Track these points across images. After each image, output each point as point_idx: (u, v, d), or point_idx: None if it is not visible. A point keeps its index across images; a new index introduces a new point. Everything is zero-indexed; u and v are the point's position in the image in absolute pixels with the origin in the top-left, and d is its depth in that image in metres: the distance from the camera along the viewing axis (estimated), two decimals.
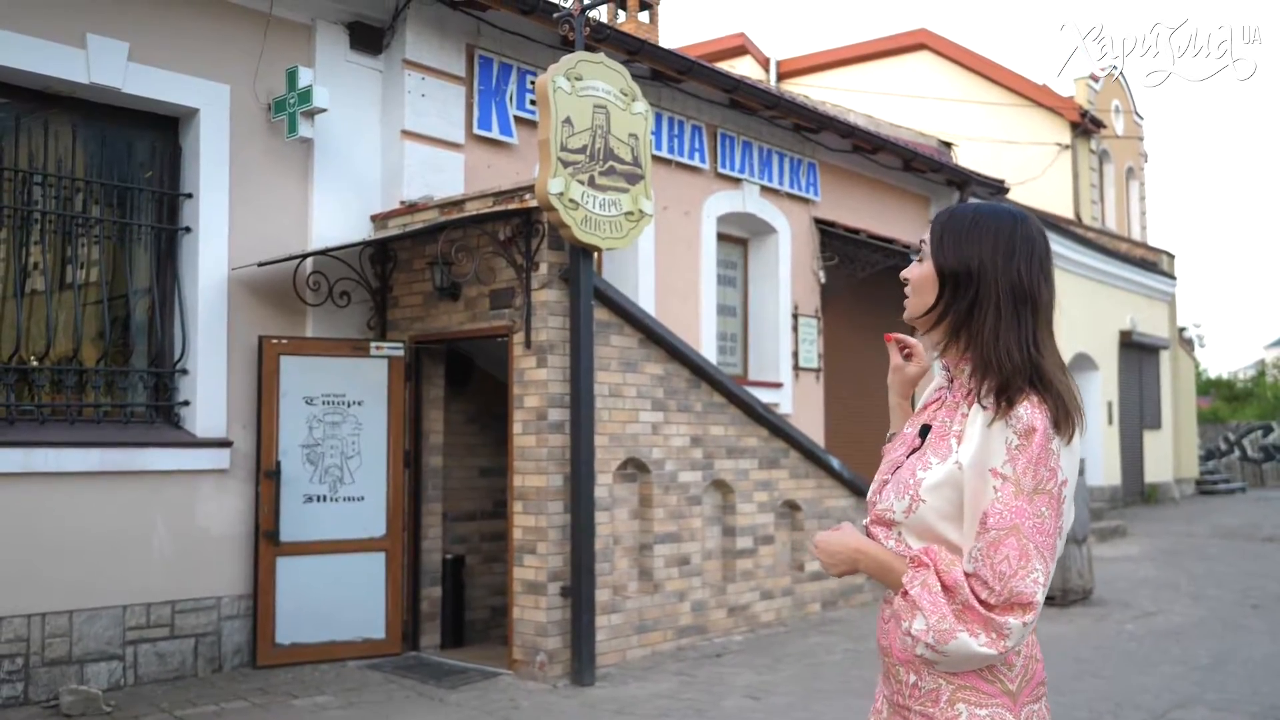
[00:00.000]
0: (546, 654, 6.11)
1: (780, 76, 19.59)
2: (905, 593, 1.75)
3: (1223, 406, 33.03)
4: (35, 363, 6.01)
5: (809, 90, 17.66)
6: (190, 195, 6.52)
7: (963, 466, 1.75)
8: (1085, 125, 18.46)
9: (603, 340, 6.56)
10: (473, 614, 7.40)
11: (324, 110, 6.74)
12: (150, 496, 6.11)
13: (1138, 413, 18.63)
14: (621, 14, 11.92)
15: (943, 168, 12.27)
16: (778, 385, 10.25)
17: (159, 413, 6.42)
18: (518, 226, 6.34)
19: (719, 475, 7.41)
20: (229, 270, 6.53)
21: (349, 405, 6.74)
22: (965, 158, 15.49)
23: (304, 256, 6.64)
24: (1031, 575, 1.67)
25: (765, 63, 19.35)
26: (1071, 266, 16.15)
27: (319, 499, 6.61)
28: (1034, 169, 17.92)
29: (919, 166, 11.83)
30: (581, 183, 6.12)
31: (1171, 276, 20.47)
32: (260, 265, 6.51)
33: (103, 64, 6.06)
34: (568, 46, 7.16)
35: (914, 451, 1.89)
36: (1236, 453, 27.39)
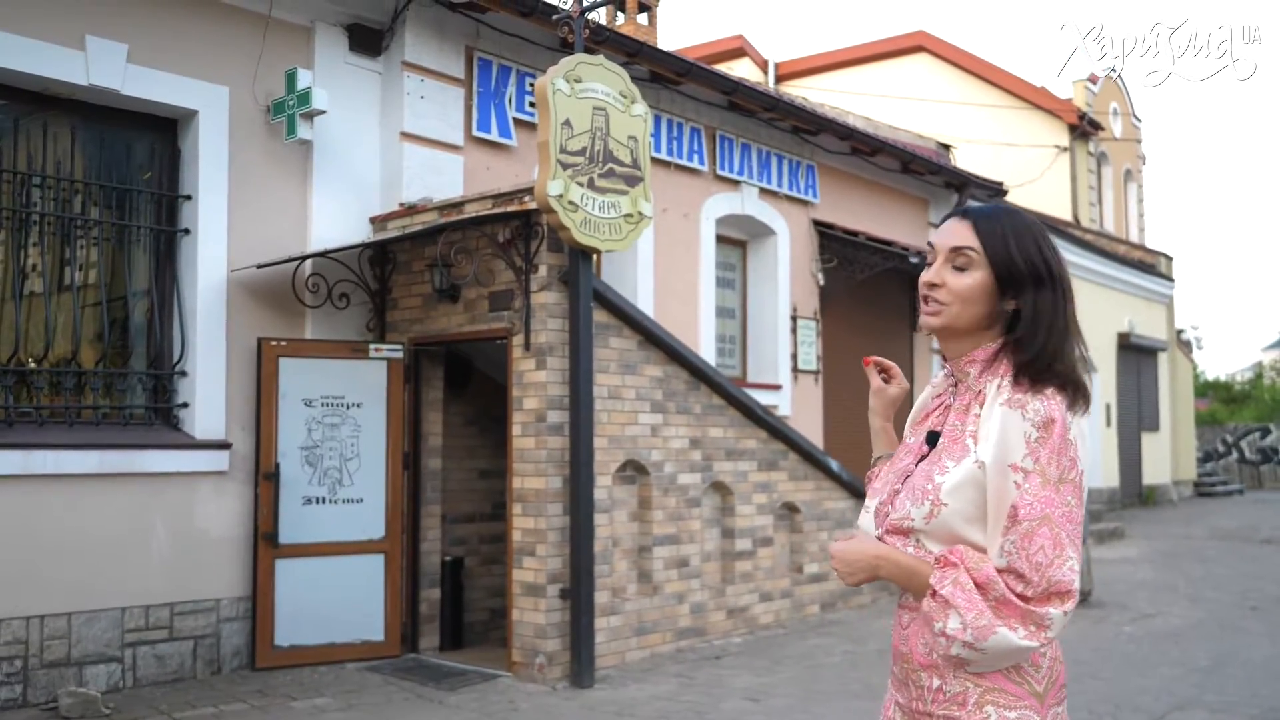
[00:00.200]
0: (546, 656, 6.11)
1: (778, 78, 19.60)
2: (935, 593, 1.73)
3: (1220, 409, 33.06)
4: (34, 365, 6.01)
5: (807, 92, 17.68)
6: (189, 197, 6.52)
7: (985, 464, 1.73)
8: (1083, 128, 18.48)
9: (602, 342, 6.57)
10: (472, 616, 7.39)
11: (323, 112, 6.75)
12: (149, 498, 6.10)
13: (1136, 415, 18.64)
14: (620, 16, 11.92)
15: (941, 170, 12.28)
16: (777, 387, 10.26)
17: (158, 415, 6.42)
18: (517, 228, 6.34)
19: (718, 477, 7.41)
20: (228, 272, 6.53)
21: (348, 407, 6.74)
22: (964, 160, 15.52)
23: (303, 258, 6.64)
24: (1067, 563, 1.68)
25: (764, 65, 19.36)
26: (1069, 268, 16.14)
27: (318, 501, 6.61)
28: (1032, 171, 17.94)
29: (917, 169, 11.84)
30: (581, 185, 6.13)
31: (1169, 279, 20.50)
32: (259, 267, 6.51)
33: (102, 66, 6.06)
34: (567, 49, 7.17)
35: (922, 459, 1.88)
36: (1234, 455, 27.42)
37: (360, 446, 6.75)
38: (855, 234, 10.94)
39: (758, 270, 10.52)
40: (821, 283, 10.94)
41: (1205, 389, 34.89)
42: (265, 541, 6.41)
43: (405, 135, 7.26)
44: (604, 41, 7.89)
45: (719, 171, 9.71)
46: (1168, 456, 20.28)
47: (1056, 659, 1.80)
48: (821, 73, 19.72)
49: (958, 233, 1.85)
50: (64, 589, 5.76)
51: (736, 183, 9.91)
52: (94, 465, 5.89)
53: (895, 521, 1.84)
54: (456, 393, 7.49)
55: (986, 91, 18.79)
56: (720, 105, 9.57)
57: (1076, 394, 1.78)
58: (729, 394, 7.49)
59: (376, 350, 6.84)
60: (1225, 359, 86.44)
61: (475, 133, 7.72)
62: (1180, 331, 22.58)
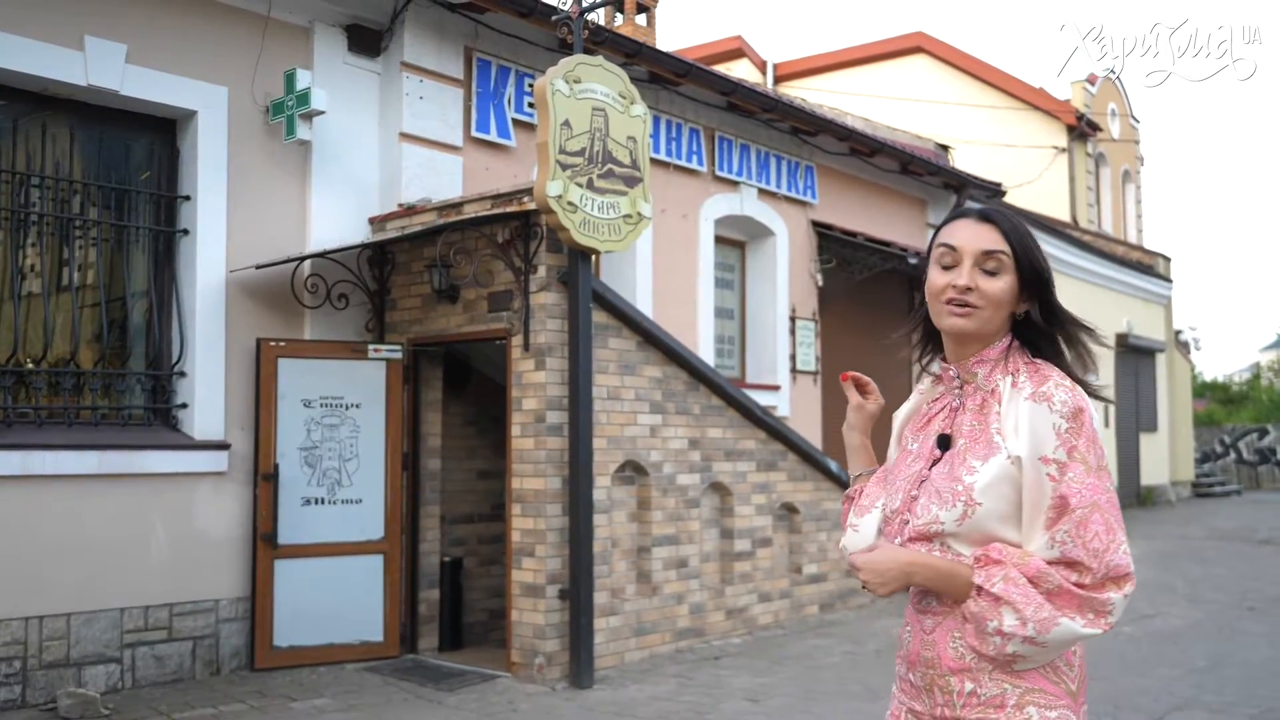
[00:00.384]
0: (545, 656, 6.10)
1: (777, 79, 19.62)
2: (982, 592, 1.71)
3: (1218, 409, 33.07)
4: (32, 365, 6.00)
5: (806, 93, 17.69)
6: (188, 197, 6.52)
7: (1021, 459, 1.73)
8: (1082, 128, 18.50)
9: (601, 343, 6.57)
10: (471, 617, 7.39)
11: (322, 113, 6.75)
12: (148, 499, 6.10)
13: (1134, 415, 18.66)
14: (619, 17, 11.92)
15: (940, 171, 12.29)
16: (775, 388, 10.26)
17: (157, 415, 6.41)
18: (516, 229, 6.34)
19: (717, 478, 7.41)
20: (227, 273, 6.53)
21: (347, 408, 6.74)
22: (962, 161, 15.52)
23: (302, 259, 6.64)
24: (1121, 547, 1.70)
25: (762, 65, 19.37)
26: (1068, 269, 16.18)
27: (317, 501, 6.61)
28: (1031, 172, 17.96)
29: (916, 169, 11.85)
30: (580, 185, 6.13)
31: (1167, 279, 20.52)
32: (258, 268, 6.51)
33: (101, 66, 6.05)
34: (566, 49, 7.17)
35: (935, 463, 1.85)
36: (1232, 455, 27.44)
37: (359, 447, 6.75)
38: (854, 234, 10.94)
39: (756, 271, 10.53)
40: (820, 283, 10.94)
41: (1203, 390, 34.93)
42: (264, 542, 6.41)
43: (404, 136, 7.26)
44: (603, 42, 7.89)
45: (718, 172, 9.71)
46: (1166, 457, 20.30)
47: (1083, 657, 1.81)
48: (820, 73, 19.73)
49: (986, 236, 1.85)
50: (63, 589, 5.75)
51: (735, 183, 9.92)
52: (93, 466, 5.88)
53: (921, 527, 1.81)
54: (455, 393, 7.48)
55: (985, 92, 18.81)
56: (719, 106, 9.57)
57: (1088, 387, 1.82)
58: (728, 395, 7.49)
59: (375, 351, 6.84)
60: (1223, 360, 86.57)
61: (474, 133, 7.72)
62: (1178, 332, 22.61)
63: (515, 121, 7.96)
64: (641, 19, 12.03)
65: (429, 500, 7.11)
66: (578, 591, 6.13)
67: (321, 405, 6.66)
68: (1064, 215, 18.22)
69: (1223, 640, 7.51)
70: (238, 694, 5.90)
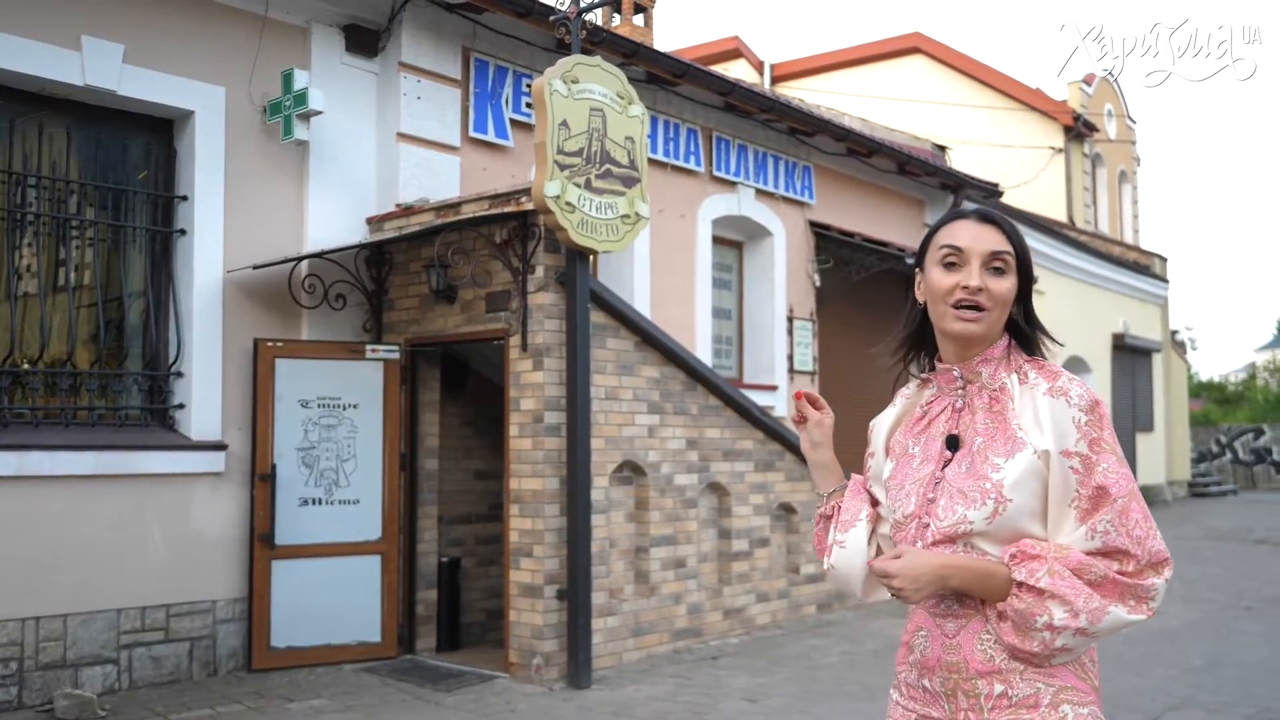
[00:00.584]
0: (543, 657, 6.10)
1: (774, 80, 19.63)
2: (1025, 587, 1.69)
3: (1214, 409, 33.13)
4: (29, 366, 5.99)
5: (803, 94, 17.70)
6: (185, 198, 6.51)
7: (1049, 453, 1.73)
8: (1078, 129, 18.53)
9: (599, 343, 6.57)
10: (468, 617, 7.39)
11: (319, 113, 6.74)
12: (145, 500, 6.09)
13: (1130, 415, 18.68)
14: (616, 17, 11.92)
15: (937, 171, 12.30)
16: (773, 388, 10.26)
17: (154, 416, 6.40)
18: (514, 229, 6.34)
19: (715, 478, 7.41)
20: (224, 273, 6.52)
21: (344, 408, 6.73)
22: (959, 161, 15.54)
23: (299, 259, 6.63)
24: (1157, 533, 1.73)
25: (759, 66, 19.38)
26: (1064, 269, 16.20)
27: (314, 502, 6.60)
28: (1027, 172, 17.98)
29: (913, 170, 11.86)
30: (578, 186, 6.13)
31: (1164, 280, 20.55)
32: (255, 268, 6.50)
33: (98, 66, 6.04)
34: (564, 50, 7.17)
35: (947, 464, 1.83)
36: (1228, 455, 27.49)
37: (357, 447, 6.74)
38: (851, 235, 10.95)
39: (754, 271, 10.53)
40: (818, 283, 10.95)
41: (1199, 390, 35.00)
42: (261, 543, 6.40)
43: (402, 136, 7.25)
44: (600, 42, 7.89)
45: (715, 172, 9.71)
46: (1162, 457, 20.32)
47: (1096, 651, 1.82)
48: (817, 74, 19.75)
49: (991, 237, 1.85)
50: (60, 590, 5.74)
51: (733, 184, 9.92)
52: (90, 466, 5.87)
53: (947, 529, 1.78)
54: (453, 394, 7.48)
55: (982, 93, 18.83)
56: (717, 106, 9.57)
57: None
58: (726, 395, 7.50)
59: (373, 351, 6.83)
60: (1219, 360, 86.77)
61: (472, 133, 7.71)
62: (1174, 332, 22.63)
63: (513, 122, 7.96)
64: (639, 19, 12.03)
65: (426, 501, 7.10)
66: (575, 592, 6.13)
67: (319, 406, 6.65)
68: (1060, 215, 18.24)
69: (1219, 640, 7.52)
70: (235, 695, 5.90)
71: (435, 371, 7.23)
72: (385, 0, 7.26)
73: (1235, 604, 9.06)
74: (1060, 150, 18.56)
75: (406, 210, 6.97)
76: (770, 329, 10.43)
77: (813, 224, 10.80)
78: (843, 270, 11.15)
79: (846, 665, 6.67)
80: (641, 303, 8.87)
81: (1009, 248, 1.84)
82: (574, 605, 6.12)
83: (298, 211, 6.93)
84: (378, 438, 6.80)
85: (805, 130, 10.37)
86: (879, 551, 1.99)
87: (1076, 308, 16.27)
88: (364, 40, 7.25)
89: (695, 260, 9.59)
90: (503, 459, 6.55)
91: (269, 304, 6.74)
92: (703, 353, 9.46)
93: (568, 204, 6.05)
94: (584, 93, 6.23)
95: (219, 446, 6.40)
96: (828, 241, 10.90)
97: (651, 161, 8.74)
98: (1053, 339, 1.91)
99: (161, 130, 6.57)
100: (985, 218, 1.88)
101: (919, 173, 11.98)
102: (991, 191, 13.35)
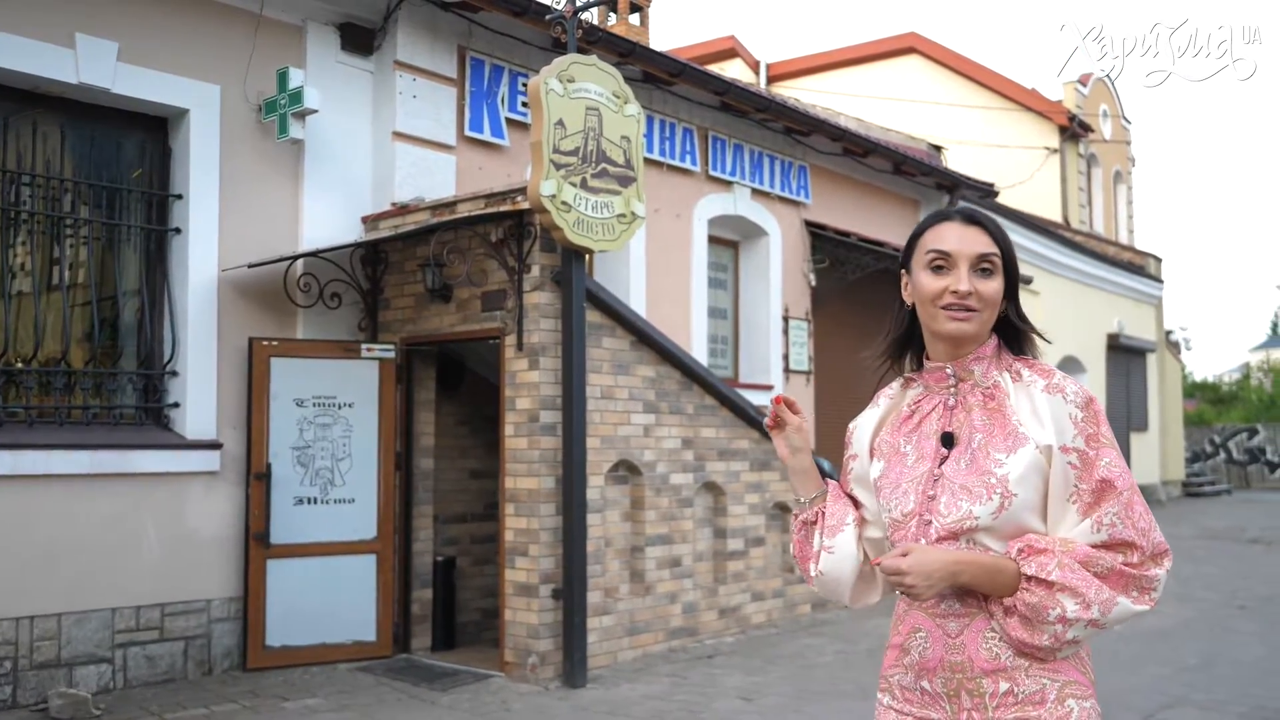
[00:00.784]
0: (538, 656, 6.10)
1: (770, 79, 19.63)
2: (1035, 581, 1.69)
3: (1208, 409, 33.21)
4: (23, 365, 5.98)
5: (799, 93, 17.71)
6: (180, 196, 6.50)
7: (1052, 448, 1.74)
8: (1073, 129, 18.56)
9: (594, 342, 6.56)
10: (464, 616, 7.38)
11: (315, 111, 6.73)
12: (140, 499, 6.08)
13: (1125, 415, 18.72)
14: (612, 16, 11.93)
15: (933, 171, 12.32)
16: (768, 388, 10.26)
17: (148, 415, 6.39)
18: (510, 228, 6.34)
19: (710, 477, 7.41)
20: (219, 272, 6.51)
21: (340, 407, 6.72)
22: (954, 161, 15.56)
23: (295, 258, 6.62)
24: (1157, 525, 1.77)
25: (755, 65, 19.38)
26: (1059, 269, 16.23)
27: (309, 501, 6.59)
28: (1023, 172, 18.01)
29: (909, 170, 11.87)
30: (574, 185, 6.12)
31: (1158, 280, 20.59)
32: (251, 267, 6.49)
33: (92, 64, 6.03)
34: (560, 49, 7.16)
35: (944, 461, 1.83)
36: (1222, 455, 27.56)
37: (352, 447, 6.73)
38: (847, 234, 10.96)
39: (750, 271, 10.54)
40: (813, 283, 10.96)
41: (1193, 390, 35.07)
42: (256, 542, 6.39)
43: (397, 135, 7.25)
44: (596, 42, 7.89)
45: (711, 172, 9.71)
46: (1156, 457, 20.37)
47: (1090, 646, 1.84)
48: (813, 74, 19.76)
49: (978, 239, 1.85)
50: (54, 590, 5.73)
51: (729, 183, 9.92)
52: (84, 465, 5.86)
53: (951, 525, 1.77)
54: (449, 393, 7.47)
55: (977, 93, 18.85)
56: (712, 106, 9.58)
57: None
58: (721, 394, 7.50)
59: (368, 350, 6.83)
60: (1213, 360, 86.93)
61: (467, 132, 7.71)
62: (1169, 332, 22.69)
63: (509, 121, 7.96)
64: (635, 19, 12.04)
65: (422, 500, 7.10)
66: (571, 591, 6.13)
67: (314, 405, 6.65)
68: (1055, 215, 18.28)
69: (1213, 639, 7.54)
70: (230, 694, 5.89)
71: (431, 371, 7.22)
72: None
73: (1229, 603, 9.08)
74: (1055, 150, 18.59)
75: (402, 209, 6.97)
76: (766, 329, 10.43)
77: (808, 224, 10.81)
78: (838, 270, 11.16)
79: (841, 664, 6.68)
80: (637, 302, 8.87)
81: (995, 249, 1.85)
82: (569, 604, 6.12)
83: (293, 210, 6.92)
84: (373, 437, 6.80)
85: (801, 130, 10.37)
86: (866, 557, 1.99)
87: (1071, 308, 16.30)
88: (359, 39, 7.24)
89: (691, 260, 9.60)
90: (498, 458, 6.55)
91: (264, 303, 6.73)
92: (698, 352, 9.46)
93: (563, 203, 6.05)
94: (580, 92, 6.23)
95: (214, 445, 6.39)
96: (823, 241, 10.91)
97: (647, 161, 8.74)
98: (1041, 336, 1.92)
99: (156, 128, 6.56)
100: (971, 219, 1.87)
101: (914, 173, 11.99)
102: (987, 191, 13.37)
